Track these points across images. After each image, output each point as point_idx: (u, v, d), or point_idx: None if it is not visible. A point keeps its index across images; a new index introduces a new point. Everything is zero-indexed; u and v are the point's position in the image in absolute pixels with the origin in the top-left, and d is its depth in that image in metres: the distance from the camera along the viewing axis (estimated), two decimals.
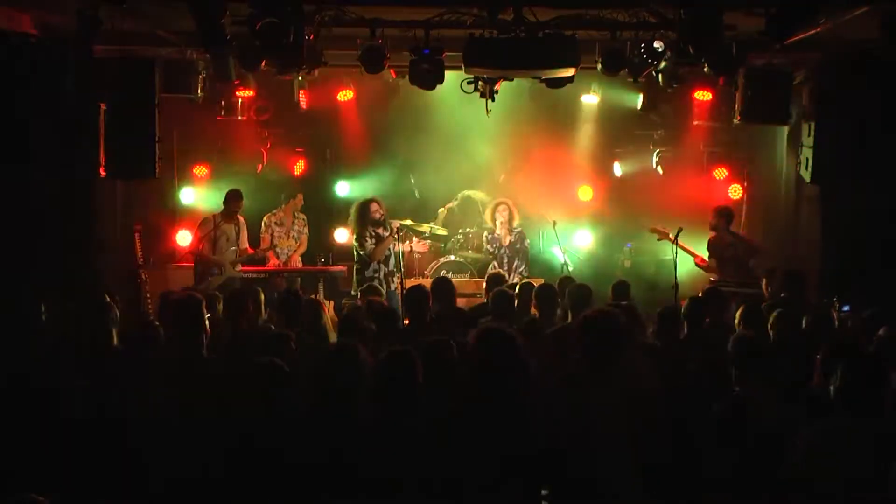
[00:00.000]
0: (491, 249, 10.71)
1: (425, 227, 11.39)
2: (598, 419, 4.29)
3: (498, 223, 10.69)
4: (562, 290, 7.48)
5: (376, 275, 9.94)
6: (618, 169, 12.12)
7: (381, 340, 5.95)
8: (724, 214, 10.29)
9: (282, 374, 4.39)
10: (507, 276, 10.05)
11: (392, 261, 10.04)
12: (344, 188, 12.44)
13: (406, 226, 10.54)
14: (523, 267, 10.58)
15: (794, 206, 11.11)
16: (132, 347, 5.74)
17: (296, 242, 11.08)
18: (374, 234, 9.97)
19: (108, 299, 7.08)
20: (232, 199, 10.36)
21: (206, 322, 5.55)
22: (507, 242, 10.63)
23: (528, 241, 10.79)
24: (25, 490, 3.11)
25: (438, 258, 11.31)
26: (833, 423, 4.07)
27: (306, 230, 11.18)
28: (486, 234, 10.87)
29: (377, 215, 9.97)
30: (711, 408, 4.71)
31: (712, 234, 10.26)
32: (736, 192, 11.79)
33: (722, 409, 4.67)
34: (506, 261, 10.60)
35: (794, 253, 11.01)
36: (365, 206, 10.05)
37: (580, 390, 4.41)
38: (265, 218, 11.01)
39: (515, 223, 10.70)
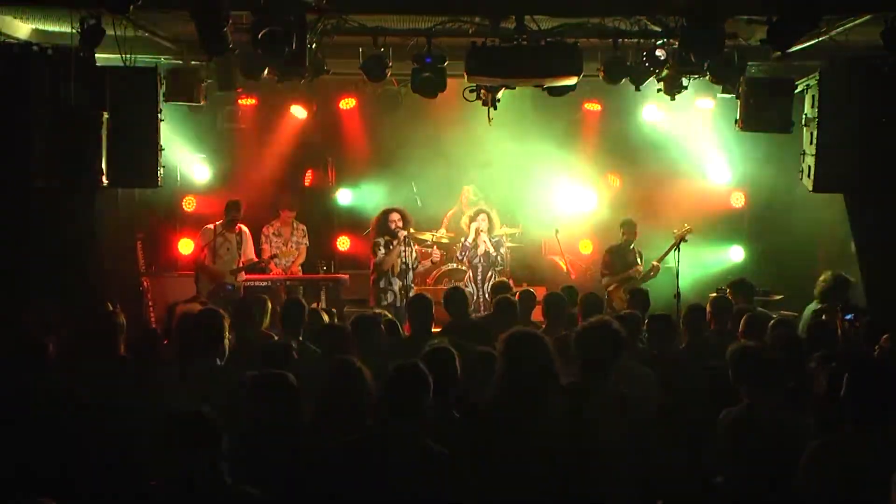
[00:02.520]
0: (462, 259, 10.40)
1: (427, 236, 11.39)
2: (596, 426, 4.34)
3: (476, 233, 10.33)
4: (570, 299, 7.47)
5: (390, 287, 9.86)
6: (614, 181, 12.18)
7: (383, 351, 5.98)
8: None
9: (288, 384, 4.39)
10: (474, 289, 10.03)
11: (410, 275, 9.95)
12: (346, 196, 12.46)
13: (408, 235, 10.44)
14: (493, 276, 10.16)
15: (797, 214, 11.09)
16: (139, 356, 5.76)
17: (295, 251, 11.05)
18: (387, 243, 9.89)
19: (111, 307, 7.12)
20: (231, 208, 10.34)
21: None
22: (482, 252, 10.29)
23: (505, 248, 10.55)
24: (31, 495, 3.11)
25: (441, 266, 11.31)
26: (841, 434, 4.04)
27: (305, 241, 11.11)
28: (461, 242, 10.52)
29: (393, 225, 9.88)
30: (716, 417, 4.69)
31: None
32: (738, 199, 11.81)
33: (728, 419, 4.65)
34: (480, 271, 10.28)
35: (796, 261, 11.01)
36: (385, 214, 9.95)
37: (578, 398, 4.44)
38: (263, 229, 10.98)
39: (495, 232, 10.45)
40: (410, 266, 9.90)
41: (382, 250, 9.83)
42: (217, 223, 10.31)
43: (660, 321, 6.45)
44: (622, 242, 10.56)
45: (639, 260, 10.45)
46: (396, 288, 9.83)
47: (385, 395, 4.17)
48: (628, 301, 7.80)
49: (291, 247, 10.97)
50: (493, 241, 10.37)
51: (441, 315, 7.31)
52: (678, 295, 9.58)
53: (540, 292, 8.80)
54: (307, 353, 6.07)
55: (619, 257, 10.53)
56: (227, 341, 5.46)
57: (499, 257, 10.34)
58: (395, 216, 9.90)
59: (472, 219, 10.41)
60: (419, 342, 5.98)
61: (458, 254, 10.57)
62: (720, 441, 4.60)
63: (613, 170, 12.17)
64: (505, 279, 9.56)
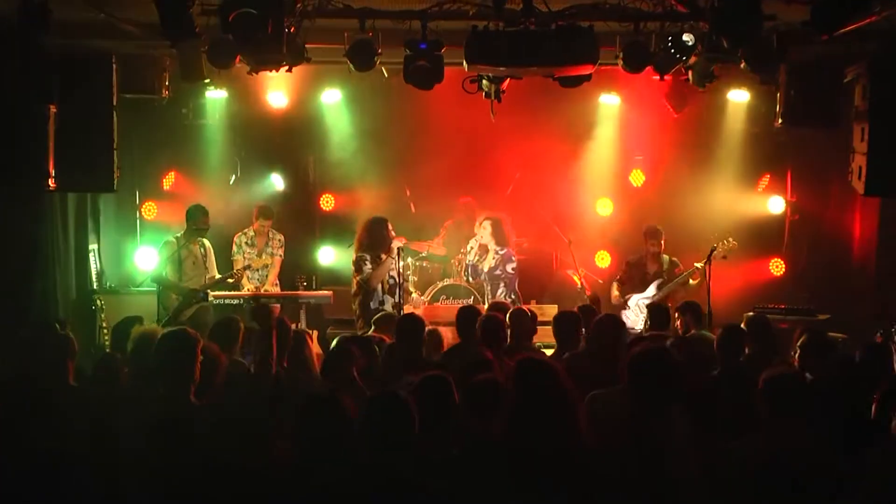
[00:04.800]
0: (472, 280, 10.51)
1: (422, 249, 11.33)
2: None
3: (477, 244, 10.45)
4: (585, 319, 7.44)
5: (382, 308, 9.78)
6: (637, 179, 12.17)
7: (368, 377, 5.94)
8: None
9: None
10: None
11: (399, 291, 9.87)
12: (328, 202, 12.41)
13: (401, 246, 10.36)
14: (506, 294, 10.25)
15: (846, 222, 11.04)
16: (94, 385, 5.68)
17: (270, 263, 10.95)
18: (375, 257, 9.83)
19: (60, 328, 7.05)
20: (196, 215, 10.23)
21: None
22: (486, 269, 10.33)
23: (515, 264, 10.49)
24: None
25: (436, 282, 11.24)
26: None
27: (280, 252, 11.03)
28: (467, 258, 10.60)
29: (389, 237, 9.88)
30: (747, 455, 4.64)
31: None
32: (777, 205, 11.76)
33: (749, 452, 4.60)
34: (488, 289, 10.34)
35: (846, 276, 10.96)
36: (383, 223, 9.90)
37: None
38: (235, 237, 10.93)
39: (500, 244, 10.43)
40: (398, 281, 9.85)
41: (369, 265, 9.73)
42: (179, 234, 10.21)
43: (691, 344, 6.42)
44: (644, 254, 10.63)
45: (666, 267, 10.50)
46: (389, 307, 9.75)
47: (365, 427, 4.20)
48: (646, 320, 7.78)
49: (265, 258, 10.88)
50: (500, 253, 10.31)
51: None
52: (710, 314, 9.52)
53: (552, 311, 8.81)
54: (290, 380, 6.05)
55: (637, 270, 10.64)
56: (198, 371, 5.28)
57: (501, 272, 10.29)
58: (390, 226, 9.88)
59: (479, 227, 10.49)
60: (408, 369, 5.95)
61: (462, 274, 10.70)
62: (736, 476, 4.55)
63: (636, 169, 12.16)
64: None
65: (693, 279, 10.18)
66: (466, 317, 7.24)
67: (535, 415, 4.36)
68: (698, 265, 10.12)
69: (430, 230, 11.78)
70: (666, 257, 10.64)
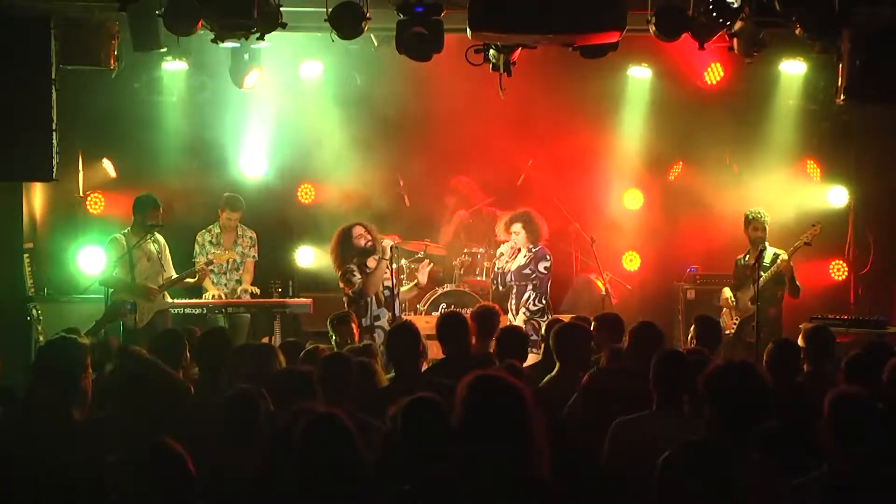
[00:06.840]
0: (500, 286, 10.49)
1: (419, 247, 11.32)
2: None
3: (509, 248, 10.44)
4: (614, 330, 7.42)
5: (378, 322, 9.75)
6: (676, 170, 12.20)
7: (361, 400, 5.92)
8: None
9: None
10: (511, 315, 10.07)
11: (397, 304, 9.87)
12: (308, 193, 12.39)
13: (394, 244, 10.33)
14: (535, 298, 10.16)
15: None
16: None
17: (239, 269, 10.99)
18: (362, 265, 9.83)
19: None
20: (145, 206, 10.15)
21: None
22: (514, 267, 10.30)
23: (547, 262, 10.32)
24: None
25: (435, 287, 11.25)
26: None
27: (253, 252, 11.06)
28: (497, 265, 10.62)
29: (362, 241, 9.82)
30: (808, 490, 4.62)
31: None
32: (839, 196, 11.74)
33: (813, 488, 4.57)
34: (514, 293, 10.28)
35: None
36: (346, 232, 9.85)
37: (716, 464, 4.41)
38: (198, 236, 10.92)
39: (533, 243, 10.34)
40: (394, 292, 9.83)
41: (358, 275, 9.72)
42: (126, 230, 10.16)
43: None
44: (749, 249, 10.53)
45: (766, 263, 10.22)
46: (385, 321, 9.76)
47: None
48: (694, 332, 7.72)
49: (230, 254, 10.81)
50: (532, 251, 10.29)
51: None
52: (757, 326, 9.51)
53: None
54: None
55: (740, 268, 10.55)
56: (83, 384, 5.33)
57: (531, 271, 10.25)
58: (358, 230, 9.83)
59: (508, 227, 10.42)
60: (402, 389, 5.92)
61: (492, 282, 10.71)
62: None
63: (673, 157, 12.14)
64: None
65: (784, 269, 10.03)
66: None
67: (484, 448, 4.24)
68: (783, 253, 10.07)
69: (428, 226, 11.79)
70: (772, 252, 10.24)
